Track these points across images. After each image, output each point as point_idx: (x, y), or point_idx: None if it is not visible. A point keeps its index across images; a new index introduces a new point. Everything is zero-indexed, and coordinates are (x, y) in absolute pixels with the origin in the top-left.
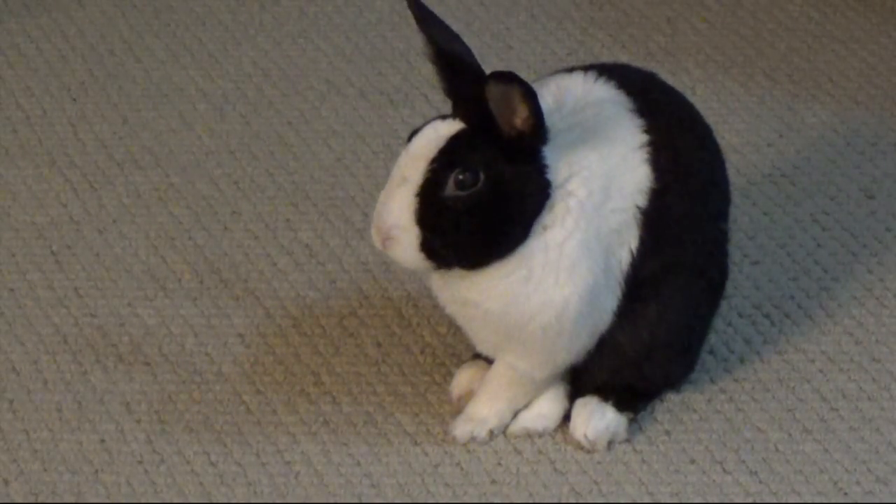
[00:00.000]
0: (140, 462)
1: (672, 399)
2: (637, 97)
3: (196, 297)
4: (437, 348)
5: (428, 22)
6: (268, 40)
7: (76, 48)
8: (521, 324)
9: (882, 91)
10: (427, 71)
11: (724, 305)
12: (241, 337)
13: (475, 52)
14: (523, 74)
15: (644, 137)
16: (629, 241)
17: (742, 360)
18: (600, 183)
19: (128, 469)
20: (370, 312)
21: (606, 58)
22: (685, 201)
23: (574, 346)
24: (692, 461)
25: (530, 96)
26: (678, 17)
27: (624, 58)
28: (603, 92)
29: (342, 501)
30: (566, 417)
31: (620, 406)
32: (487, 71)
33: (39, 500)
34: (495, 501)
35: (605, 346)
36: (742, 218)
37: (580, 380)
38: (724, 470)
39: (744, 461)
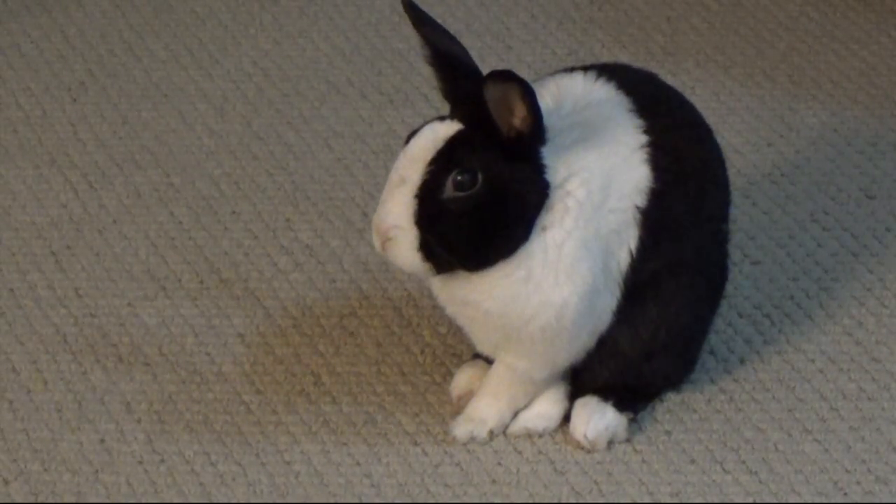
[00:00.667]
0: (140, 462)
1: (672, 399)
2: (637, 97)
3: (196, 297)
4: (437, 348)
5: (424, 23)
6: (268, 40)
7: (76, 48)
8: (521, 324)
9: (882, 91)
10: (427, 71)
11: (724, 305)
12: (241, 337)
13: (475, 52)
14: (523, 74)
15: (644, 138)
16: (629, 241)
17: (742, 360)
18: (600, 183)
19: (128, 469)
20: (370, 312)
21: (606, 58)
22: (685, 201)
23: (574, 346)
24: (692, 461)
25: (528, 94)
26: (678, 17)
27: (624, 58)
28: (603, 92)
29: (342, 501)
30: (566, 417)
31: (620, 406)
32: (486, 71)
33: (39, 500)
34: (495, 501)
35: (604, 346)
36: (742, 218)
37: (580, 380)
38: (724, 470)
39: (744, 461)
